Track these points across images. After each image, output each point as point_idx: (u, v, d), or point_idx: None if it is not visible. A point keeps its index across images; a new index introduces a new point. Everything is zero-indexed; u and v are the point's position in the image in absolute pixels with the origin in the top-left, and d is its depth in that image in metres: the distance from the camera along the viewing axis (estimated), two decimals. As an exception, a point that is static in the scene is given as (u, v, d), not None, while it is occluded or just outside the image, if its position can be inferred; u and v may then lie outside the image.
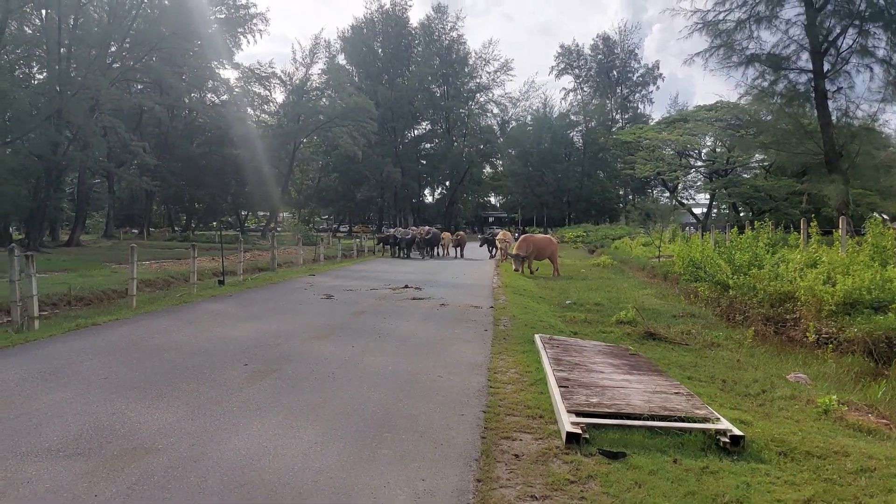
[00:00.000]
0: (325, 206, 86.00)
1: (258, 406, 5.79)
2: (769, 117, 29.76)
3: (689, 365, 8.36)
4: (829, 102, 25.04)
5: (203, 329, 9.89)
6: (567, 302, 15.77)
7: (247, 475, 4.24)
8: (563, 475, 4.33)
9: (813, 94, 25.34)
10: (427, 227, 36.80)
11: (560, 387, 6.23)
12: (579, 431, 4.93)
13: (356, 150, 60.42)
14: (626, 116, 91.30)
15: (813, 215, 18.07)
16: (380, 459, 4.58)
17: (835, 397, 6.22)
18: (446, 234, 37.00)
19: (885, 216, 30.58)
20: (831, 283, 13.21)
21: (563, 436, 4.95)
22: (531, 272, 22.50)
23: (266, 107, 62.83)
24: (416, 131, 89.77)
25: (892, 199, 31.17)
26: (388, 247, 34.33)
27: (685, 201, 67.10)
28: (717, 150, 57.97)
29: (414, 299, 14.16)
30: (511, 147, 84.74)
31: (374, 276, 20.73)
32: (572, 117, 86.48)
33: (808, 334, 11.19)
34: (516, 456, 4.72)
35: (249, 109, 60.44)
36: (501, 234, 28.57)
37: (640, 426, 5.20)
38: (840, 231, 16.84)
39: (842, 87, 25.48)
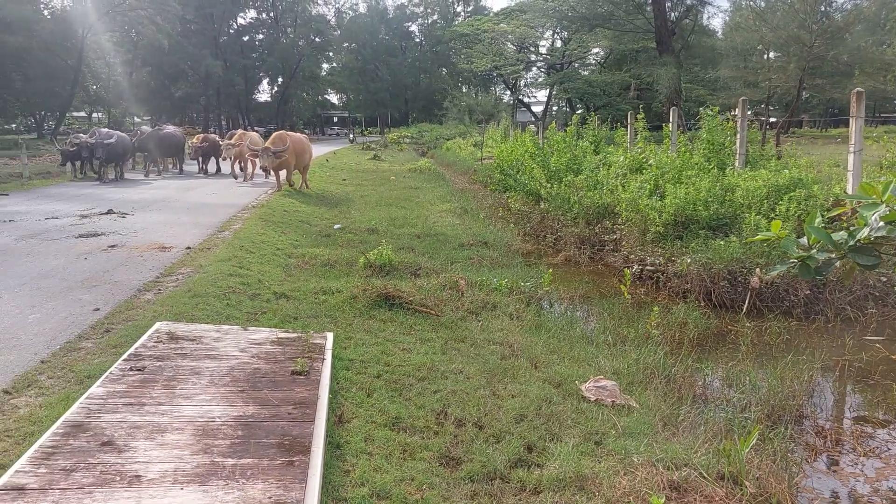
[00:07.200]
0: (139, 105, 74.93)
1: None
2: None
3: (414, 374, 4.56)
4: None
5: None
6: (336, 227, 11.75)
7: None
8: None
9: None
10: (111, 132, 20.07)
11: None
12: None
13: (161, 40, 51.20)
14: (469, 9, 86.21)
15: (641, 107, 14.88)
16: None
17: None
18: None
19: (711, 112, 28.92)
20: (660, 194, 10.06)
21: None
22: (289, 184, 16.11)
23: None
24: (240, 20, 79.38)
25: (719, 93, 29.51)
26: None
27: (526, 98, 64.62)
28: (557, 44, 55.16)
29: (80, 237, 9.33)
30: (348, 40, 77.50)
31: (98, 197, 14.93)
32: (413, 8, 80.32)
33: (623, 288, 7.81)
34: None
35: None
36: (238, 135, 19.66)
37: None
38: (671, 125, 13.85)
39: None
